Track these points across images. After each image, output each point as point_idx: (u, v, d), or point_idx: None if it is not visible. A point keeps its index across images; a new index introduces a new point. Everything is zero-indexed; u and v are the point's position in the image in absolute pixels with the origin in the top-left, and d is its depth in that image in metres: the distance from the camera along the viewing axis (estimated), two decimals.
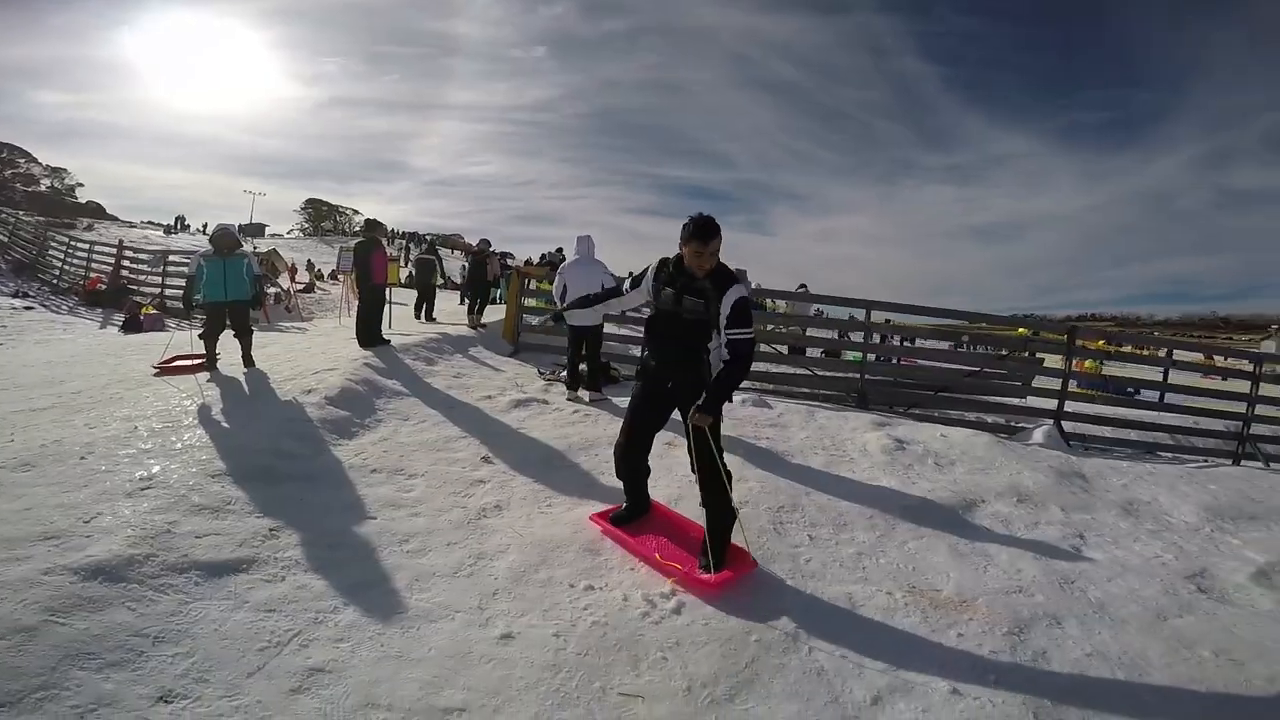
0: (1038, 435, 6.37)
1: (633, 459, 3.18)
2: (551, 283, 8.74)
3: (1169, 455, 7.15)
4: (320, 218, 54.81)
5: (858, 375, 7.40)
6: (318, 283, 19.10)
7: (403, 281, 13.73)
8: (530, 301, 9.17)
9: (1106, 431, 7.54)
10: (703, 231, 2.73)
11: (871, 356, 8.03)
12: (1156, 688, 2.45)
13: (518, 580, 2.84)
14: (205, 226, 45.49)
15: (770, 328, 9.18)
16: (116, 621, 2.23)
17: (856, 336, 9.47)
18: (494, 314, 9.72)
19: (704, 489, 2.93)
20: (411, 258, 12.95)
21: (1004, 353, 8.05)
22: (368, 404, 4.91)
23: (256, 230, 43.65)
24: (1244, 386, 8.04)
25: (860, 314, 7.66)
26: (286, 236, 46.45)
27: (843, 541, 3.44)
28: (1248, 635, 2.86)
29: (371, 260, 7.09)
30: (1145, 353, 16.02)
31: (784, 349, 8.53)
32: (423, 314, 10.54)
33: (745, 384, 7.47)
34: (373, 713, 2.02)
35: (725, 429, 5.36)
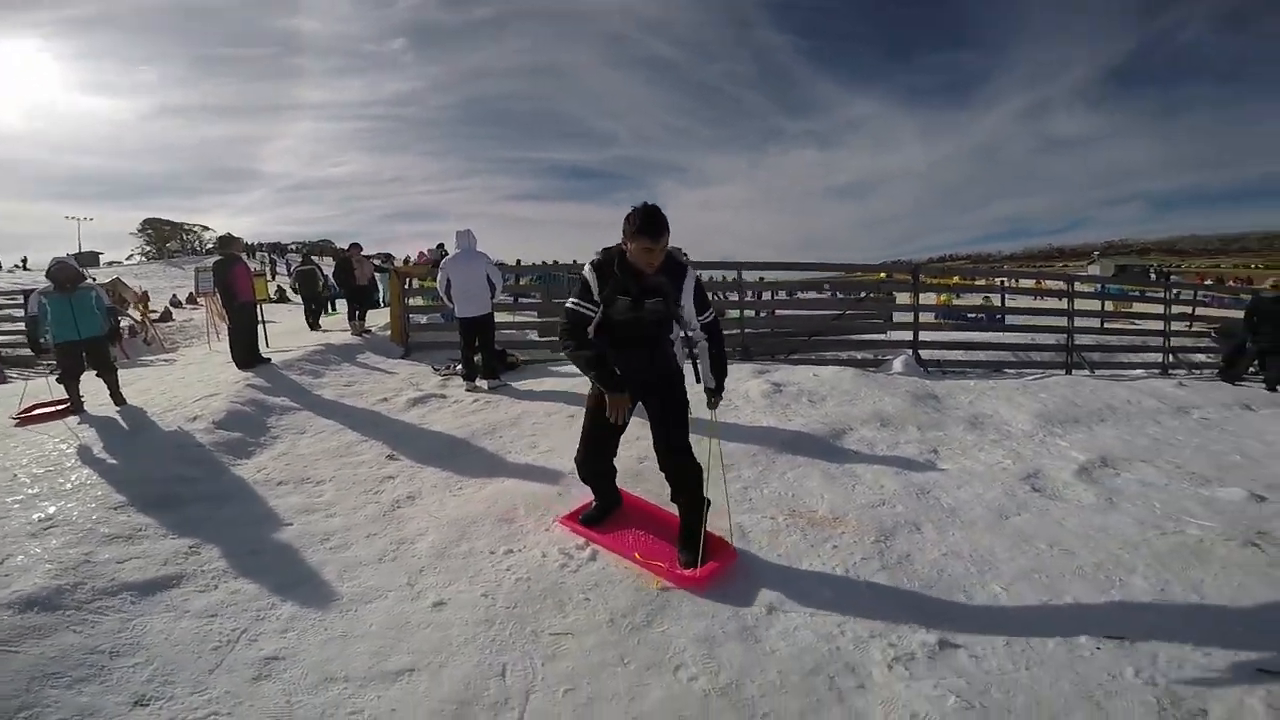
0: (897, 364, 7.17)
1: (597, 465, 3.06)
2: (435, 280, 8.71)
3: (1013, 371, 8.20)
4: (163, 238, 50.00)
5: (739, 331, 7.99)
6: (173, 309, 17.63)
7: (273, 296, 13.09)
8: (415, 301, 9.06)
9: (960, 355, 8.54)
10: (653, 226, 2.44)
11: (750, 312, 8.61)
12: (1003, 578, 2.86)
13: (440, 556, 3.03)
14: (25, 262, 40.36)
15: None
16: (67, 643, 2.30)
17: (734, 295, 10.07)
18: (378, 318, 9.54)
19: (680, 480, 2.86)
20: (292, 270, 12.42)
21: (863, 295, 8.91)
22: (259, 423, 4.83)
23: (89, 259, 39.16)
24: (1086, 305, 9.38)
25: (732, 275, 8.26)
26: (127, 263, 42.13)
27: (730, 479, 3.84)
28: (1075, 527, 3.39)
29: (233, 278, 6.73)
30: (986, 283, 17.96)
31: None
32: (319, 321, 10.38)
33: None
34: (332, 685, 2.18)
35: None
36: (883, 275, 9.59)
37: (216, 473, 3.97)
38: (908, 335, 8.07)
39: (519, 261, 8.30)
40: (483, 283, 6.04)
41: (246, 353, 6.60)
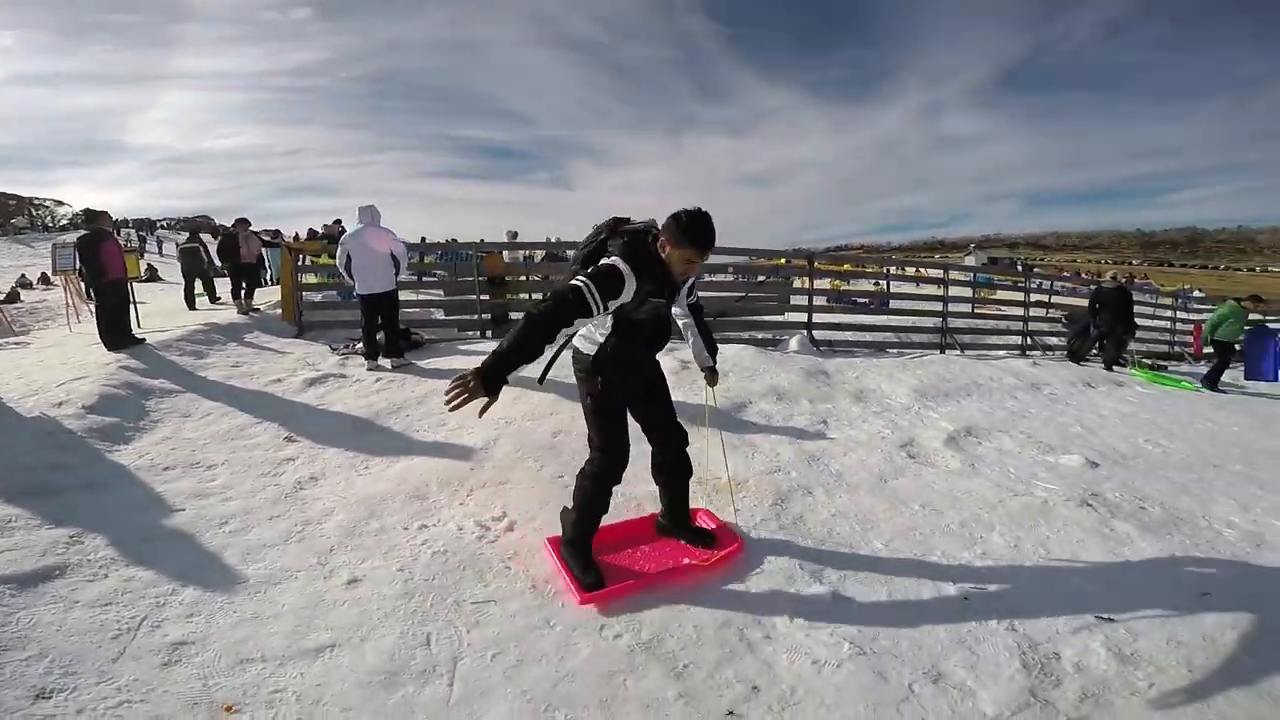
0: (793, 344, 7.61)
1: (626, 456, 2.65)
2: (333, 257, 8.29)
3: (895, 351, 8.86)
4: (7, 214, 44.00)
5: None
6: (21, 290, 15.64)
7: (143, 275, 12.00)
8: (309, 278, 8.57)
9: (849, 336, 9.14)
10: (705, 237, 2.24)
11: None
12: (883, 536, 3.15)
13: (350, 535, 2.96)
14: None
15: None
16: None
17: None
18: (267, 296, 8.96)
19: (684, 470, 2.89)
20: (177, 248, 11.53)
21: (761, 278, 9.37)
22: (136, 407, 4.45)
23: None
24: (960, 292, 10.29)
25: None
26: None
27: (644, 450, 3.98)
28: (943, 489, 3.79)
29: (102, 254, 6.15)
30: (874, 270, 19.27)
31: None
32: (194, 302, 9.82)
33: None
34: (249, 666, 2.11)
35: (537, 372, 5.76)
36: (783, 261, 10.05)
37: (92, 459, 3.63)
38: (803, 317, 8.56)
39: (424, 239, 8.06)
40: (386, 259, 5.84)
41: (118, 333, 6.04)
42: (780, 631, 2.38)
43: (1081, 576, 2.88)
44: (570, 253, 11.29)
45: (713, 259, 10.44)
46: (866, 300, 12.19)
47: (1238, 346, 8.76)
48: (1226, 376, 8.55)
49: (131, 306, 6.56)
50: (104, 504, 3.14)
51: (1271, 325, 9.76)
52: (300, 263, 7.87)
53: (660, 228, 2.32)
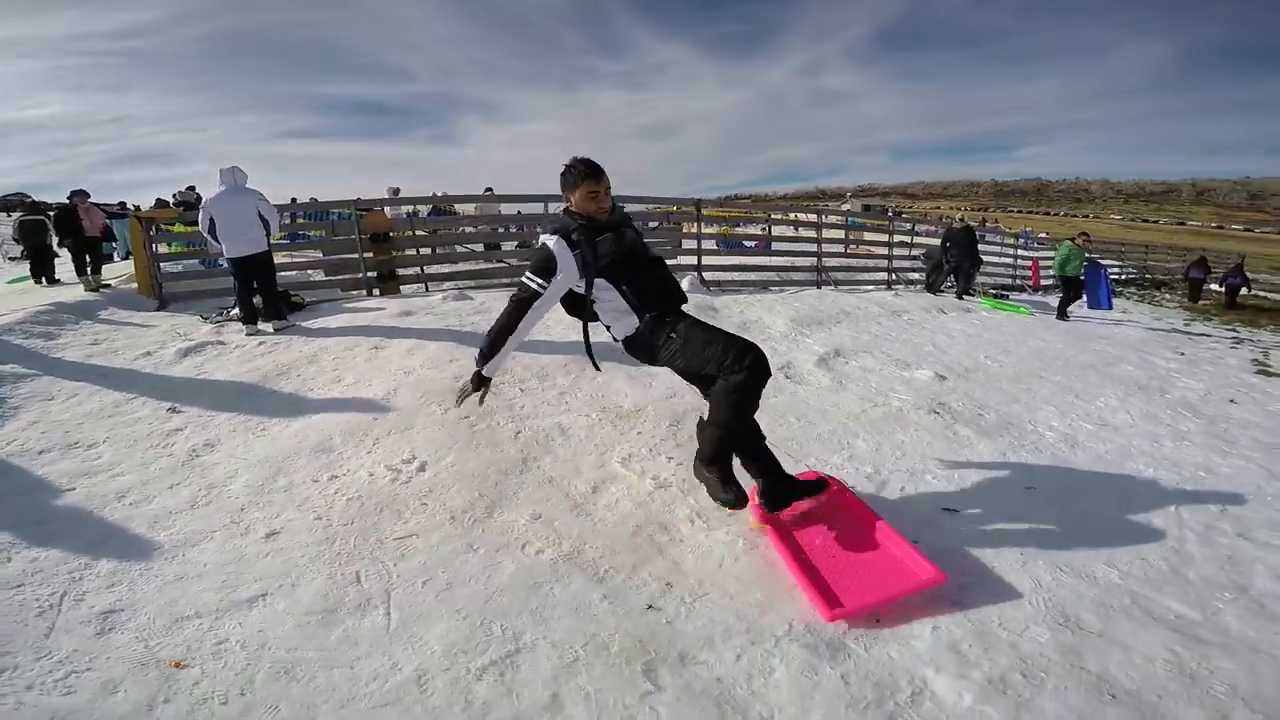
0: (684, 283, 8.06)
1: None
2: (189, 225, 7.65)
3: (776, 288, 9.47)
4: None
5: None
6: None
7: None
8: (165, 248, 7.88)
9: (735, 276, 9.66)
10: (589, 166, 2.38)
11: None
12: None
13: (260, 493, 2.94)
14: None
15: (462, 229, 9.88)
16: None
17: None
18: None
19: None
20: (15, 224, 10.23)
21: (654, 225, 9.75)
22: None
23: None
24: (835, 234, 11.06)
25: (539, 207, 8.48)
26: None
27: (546, 387, 4.18)
28: (814, 403, 4.27)
29: None
30: (763, 215, 20.21)
31: (480, 247, 9.23)
32: (52, 274, 8.93)
33: (447, 283, 7.82)
34: (187, 624, 2.11)
35: (431, 323, 5.72)
36: (673, 209, 10.44)
37: None
38: (693, 260, 9.01)
39: (293, 200, 7.61)
40: (253, 219, 5.55)
41: None
42: (684, 534, 2.66)
43: (930, 473, 3.34)
44: (457, 206, 11.12)
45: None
46: (754, 244, 12.88)
47: (1081, 278, 9.96)
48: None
49: None
50: None
51: (1097, 259, 11.20)
52: (152, 232, 7.21)
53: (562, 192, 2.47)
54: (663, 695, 1.88)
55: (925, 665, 2.00)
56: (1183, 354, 7.10)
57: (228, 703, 1.81)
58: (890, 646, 2.08)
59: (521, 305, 2.37)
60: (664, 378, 4.43)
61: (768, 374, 2.36)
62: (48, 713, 1.75)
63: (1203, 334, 9.31)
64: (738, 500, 2.48)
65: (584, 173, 2.38)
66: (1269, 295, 17.67)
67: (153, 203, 14.90)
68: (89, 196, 9.27)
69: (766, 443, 2.69)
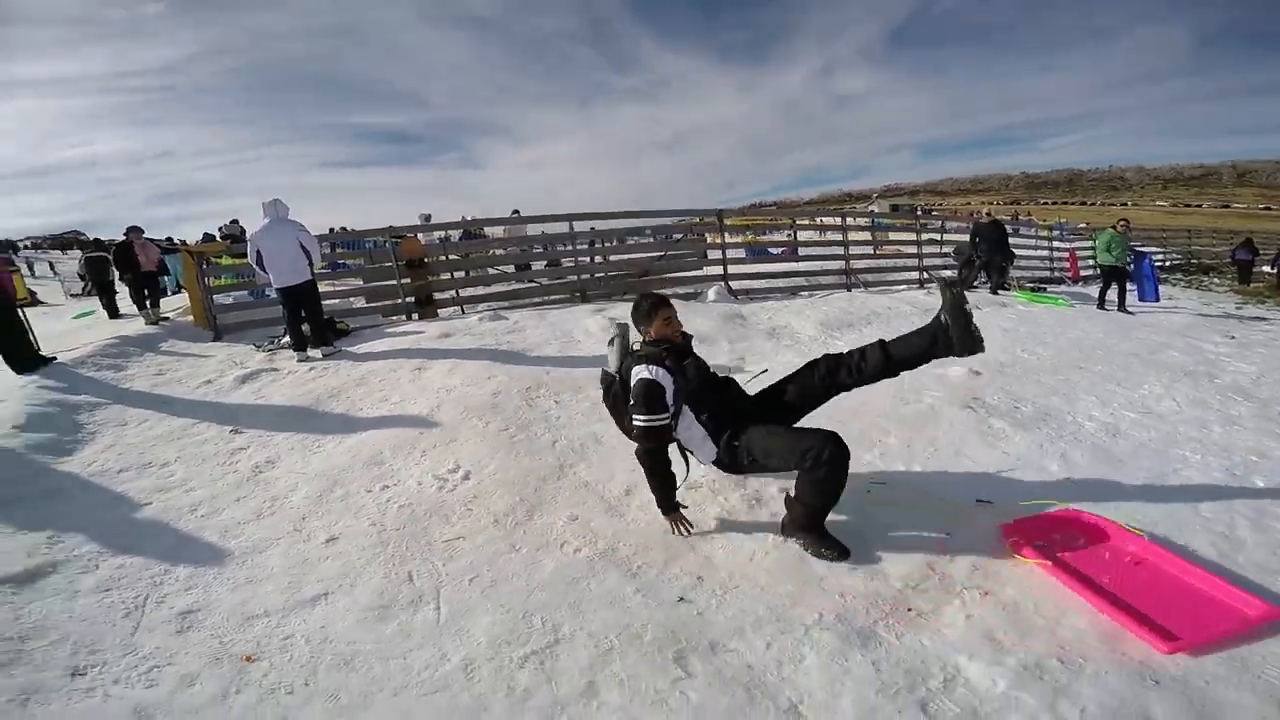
0: (711, 294, 8.17)
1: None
2: (235, 258, 8.06)
3: (806, 293, 9.49)
4: None
5: (575, 277, 8.49)
6: None
7: (31, 298, 11.41)
8: (218, 280, 8.33)
9: (763, 284, 9.71)
10: (660, 299, 2.73)
11: (585, 259, 9.12)
12: None
13: (319, 503, 3.17)
14: None
15: (493, 252, 9.96)
16: None
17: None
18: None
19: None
20: (81, 261, 11.11)
21: (678, 237, 9.83)
22: (69, 421, 4.37)
23: None
24: (862, 236, 11.05)
25: (564, 226, 8.66)
26: None
27: (580, 399, 4.37)
28: (846, 403, 3.60)
29: None
30: (788, 222, 20.14)
31: (511, 268, 9.47)
32: (116, 308, 9.61)
33: (482, 304, 8.10)
34: (256, 622, 2.32)
35: (469, 343, 5.94)
36: (698, 220, 10.53)
37: (39, 473, 3.61)
38: (719, 270, 9.08)
39: (332, 229, 8.04)
40: (297, 250, 5.85)
41: (19, 355, 5.77)
42: (715, 531, 2.77)
43: (962, 467, 3.39)
44: (486, 229, 11.45)
45: (630, 222, 10.89)
46: (781, 250, 12.88)
47: (1124, 267, 9.44)
48: (1112, 294, 9.31)
49: (29, 327, 6.26)
50: (68, 508, 3.20)
51: (1140, 249, 10.84)
52: (204, 266, 7.66)
53: (635, 328, 2.76)
54: (694, 681, 1.99)
55: (958, 653, 2.04)
56: (1233, 337, 6.88)
57: (293, 692, 1.99)
58: (922, 634, 2.13)
59: (653, 440, 2.52)
60: None
61: (848, 456, 2.44)
62: (131, 704, 1.95)
63: (1256, 317, 8.98)
64: (840, 555, 2.52)
65: (656, 302, 2.68)
66: None
67: (200, 237, 15.69)
68: (144, 232, 9.81)
69: None
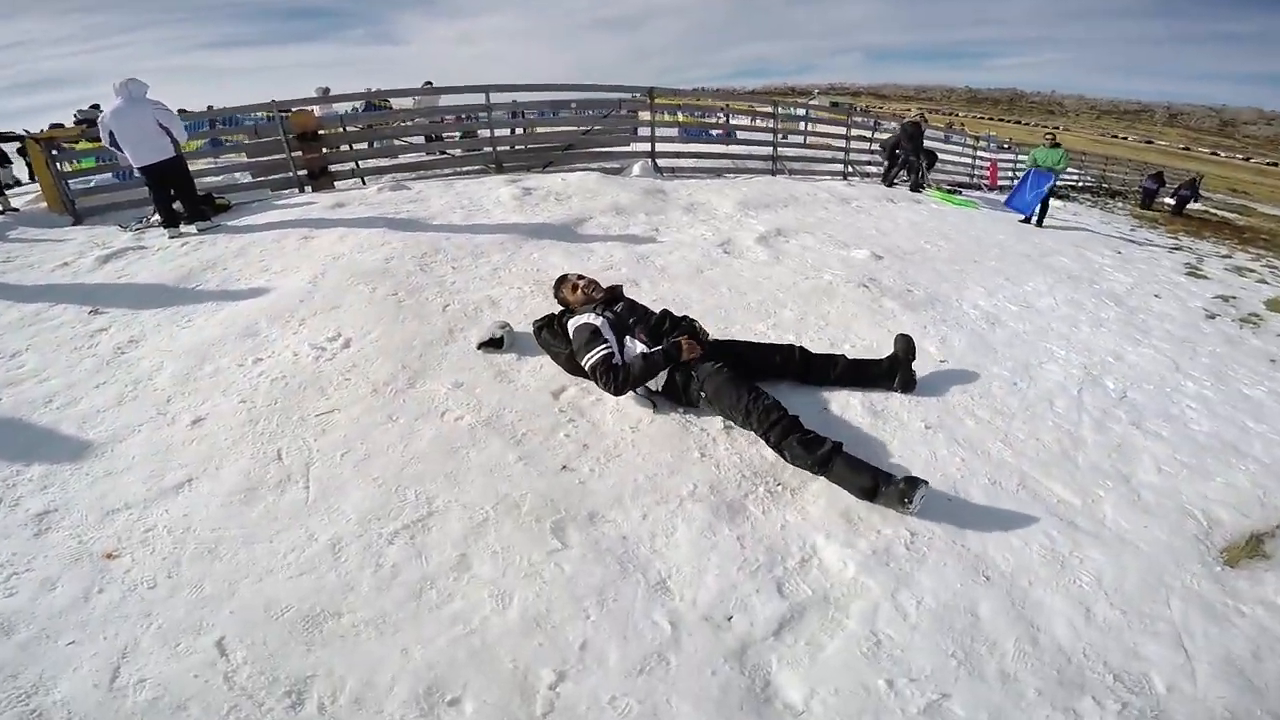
0: (636, 169, 7.96)
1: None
2: (92, 142, 7.20)
3: (732, 175, 9.28)
4: None
5: (491, 149, 8.02)
6: None
7: None
8: (76, 164, 7.46)
9: (690, 163, 9.45)
10: (559, 278, 3.14)
11: (504, 131, 8.60)
12: (694, 312, 3.35)
13: (185, 382, 2.92)
14: None
15: (400, 124, 9.82)
16: None
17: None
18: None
19: (802, 359, 2.94)
20: None
21: (606, 114, 9.36)
22: None
23: None
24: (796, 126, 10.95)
25: (480, 98, 8.05)
26: None
27: (480, 264, 4.18)
28: (748, 276, 4.33)
29: None
30: (717, 105, 19.49)
31: (421, 139, 9.29)
32: None
33: (385, 174, 7.58)
34: (117, 516, 2.15)
35: (364, 213, 5.53)
36: (630, 97, 10.02)
37: None
38: (647, 146, 8.76)
39: (210, 107, 7.19)
40: (155, 128, 5.26)
41: None
42: (606, 396, 2.71)
43: (850, 342, 3.44)
44: (393, 101, 10.53)
45: (557, 95, 10.25)
46: (719, 132, 12.56)
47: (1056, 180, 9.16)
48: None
49: None
50: None
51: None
52: (54, 152, 6.78)
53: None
54: (569, 553, 1.99)
55: (816, 531, 2.11)
56: (1119, 253, 7.16)
57: (156, 586, 1.88)
58: (787, 511, 2.20)
59: (610, 370, 2.59)
60: (603, 251, 4.52)
61: (798, 430, 2.37)
62: None
63: (1146, 241, 9.37)
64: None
65: (557, 281, 3.12)
66: (1217, 211, 17.80)
67: (47, 126, 14.05)
68: None
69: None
